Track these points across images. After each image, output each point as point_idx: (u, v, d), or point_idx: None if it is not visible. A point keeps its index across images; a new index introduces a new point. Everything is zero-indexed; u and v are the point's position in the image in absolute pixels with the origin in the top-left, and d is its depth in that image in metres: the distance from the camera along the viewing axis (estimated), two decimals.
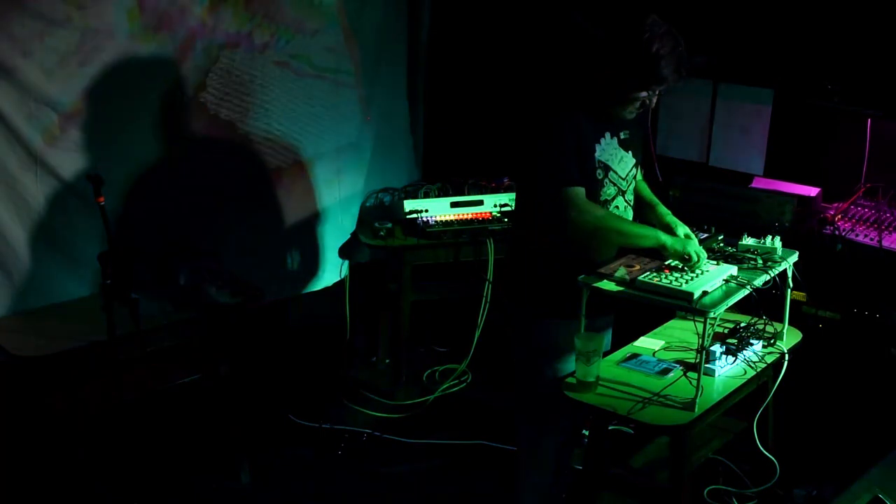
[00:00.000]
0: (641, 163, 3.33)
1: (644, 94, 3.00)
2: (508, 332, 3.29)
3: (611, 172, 3.11)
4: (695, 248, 2.99)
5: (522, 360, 3.29)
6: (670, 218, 3.19)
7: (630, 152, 3.19)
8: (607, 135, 3.11)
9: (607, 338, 3.44)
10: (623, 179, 3.17)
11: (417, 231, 4.37)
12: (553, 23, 4.70)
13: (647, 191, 3.37)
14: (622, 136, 3.16)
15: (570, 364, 3.15)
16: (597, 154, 3.07)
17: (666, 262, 3.01)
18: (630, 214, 3.25)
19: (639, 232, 3.07)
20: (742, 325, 3.19)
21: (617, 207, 3.16)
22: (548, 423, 3.28)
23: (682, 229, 3.13)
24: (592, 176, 3.07)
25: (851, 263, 3.64)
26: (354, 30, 4.69)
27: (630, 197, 3.23)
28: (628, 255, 3.10)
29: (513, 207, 4.16)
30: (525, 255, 3.22)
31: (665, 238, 3.02)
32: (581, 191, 3.01)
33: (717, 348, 3.05)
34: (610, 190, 3.13)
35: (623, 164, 3.16)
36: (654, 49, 2.89)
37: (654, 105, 3.07)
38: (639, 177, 3.34)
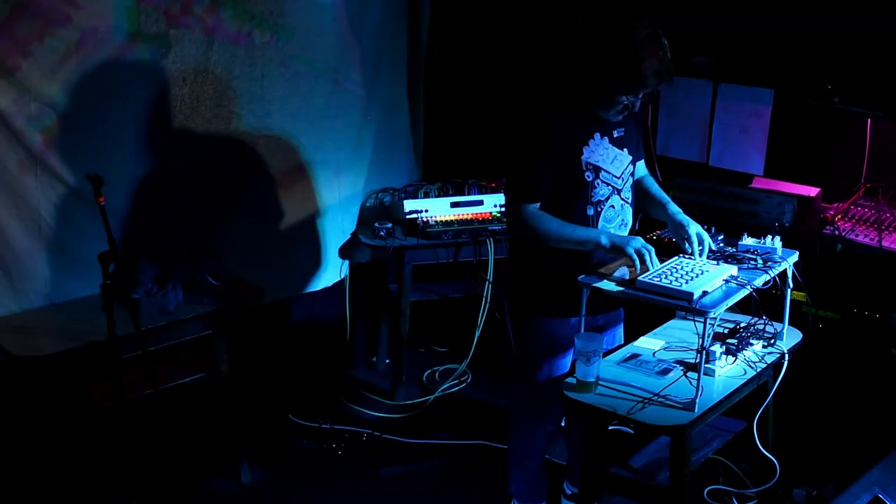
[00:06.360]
0: (642, 158, 3.34)
1: (626, 98, 3.00)
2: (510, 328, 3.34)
3: (602, 173, 3.12)
4: (635, 247, 2.97)
5: (520, 355, 3.35)
6: (682, 216, 3.18)
7: (626, 150, 3.20)
8: (597, 135, 3.12)
9: (618, 333, 3.45)
10: (618, 178, 3.17)
11: (417, 231, 4.37)
12: (550, 23, 4.69)
13: (655, 188, 3.37)
14: (615, 135, 3.16)
15: (565, 361, 3.20)
16: (584, 157, 3.08)
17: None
18: (629, 212, 3.25)
19: (580, 237, 3.06)
20: (742, 325, 3.20)
21: (612, 207, 3.17)
22: (539, 415, 3.36)
23: (694, 227, 3.12)
24: (579, 179, 3.08)
25: (851, 263, 3.64)
26: (354, 30, 4.68)
27: (627, 194, 3.23)
28: (628, 255, 3.10)
29: None
30: (520, 255, 3.25)
31: (605, 241, 3.02)
32: (534, 207, 3.06)
33: (717, 348, 3.05)
34: (603, 190, 3.13)
35: (617, 163, 3.16)
36: (635, 54, 2.89)
37: (637, 108, 3.08)
38: (639, 172, 3.33)
